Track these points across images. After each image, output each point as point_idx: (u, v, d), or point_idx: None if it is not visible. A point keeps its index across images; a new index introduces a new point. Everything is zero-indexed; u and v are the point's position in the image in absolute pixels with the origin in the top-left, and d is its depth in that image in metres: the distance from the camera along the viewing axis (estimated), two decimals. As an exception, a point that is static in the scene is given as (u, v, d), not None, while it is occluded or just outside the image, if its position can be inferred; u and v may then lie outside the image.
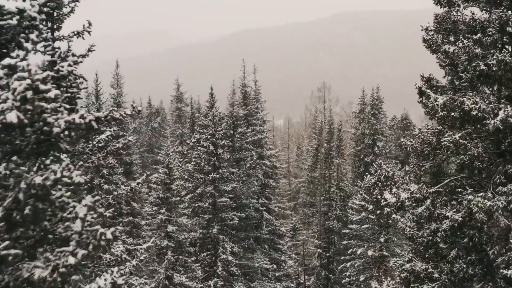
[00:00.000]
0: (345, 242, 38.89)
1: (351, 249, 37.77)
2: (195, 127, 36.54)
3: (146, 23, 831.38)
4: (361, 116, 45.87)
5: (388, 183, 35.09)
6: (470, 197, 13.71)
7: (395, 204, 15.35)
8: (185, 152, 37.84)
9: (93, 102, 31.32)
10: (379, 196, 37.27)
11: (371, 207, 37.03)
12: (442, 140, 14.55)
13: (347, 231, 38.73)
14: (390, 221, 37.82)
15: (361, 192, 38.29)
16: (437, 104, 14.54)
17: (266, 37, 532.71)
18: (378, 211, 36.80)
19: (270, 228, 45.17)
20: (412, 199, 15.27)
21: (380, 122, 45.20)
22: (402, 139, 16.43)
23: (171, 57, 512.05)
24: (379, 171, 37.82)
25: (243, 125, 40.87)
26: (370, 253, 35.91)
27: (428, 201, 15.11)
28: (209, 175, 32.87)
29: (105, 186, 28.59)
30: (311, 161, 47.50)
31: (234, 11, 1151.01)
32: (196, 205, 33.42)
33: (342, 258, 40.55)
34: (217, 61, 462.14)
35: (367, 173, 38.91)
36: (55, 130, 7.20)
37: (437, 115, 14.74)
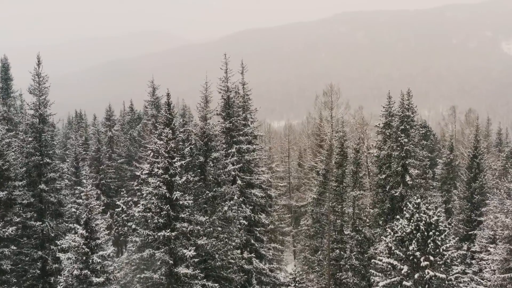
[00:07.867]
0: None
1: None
2: (149, 152, 24.78)
3: (146, 23, 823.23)
4: (386, 132, 33.56)
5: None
6: None
7: None
8: (135, 187, 26.25)
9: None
10: (417, 253, 25.86)
11: (405, 268, 25.36)
12: None
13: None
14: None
15: (389, 243, 26.61)
16: None
17: (267, 37, 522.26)
18: (417, 275, 25.18)
19: (263, 280, 33.87)
20: None
21: (413, 141, 32.96)
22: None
23: (171, 57, 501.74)
24: (416, 214, 26.22)
25: (222, 145, 29.20)
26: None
27: None
28: (160, 233, 21.12)
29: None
30: (317, 191, 35.47)
31: (235, 11, 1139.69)
32: (142, 276, 21.68)
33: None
34: (217, 61, 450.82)
35: (398, 217, 27.15)
36: None
37: None
